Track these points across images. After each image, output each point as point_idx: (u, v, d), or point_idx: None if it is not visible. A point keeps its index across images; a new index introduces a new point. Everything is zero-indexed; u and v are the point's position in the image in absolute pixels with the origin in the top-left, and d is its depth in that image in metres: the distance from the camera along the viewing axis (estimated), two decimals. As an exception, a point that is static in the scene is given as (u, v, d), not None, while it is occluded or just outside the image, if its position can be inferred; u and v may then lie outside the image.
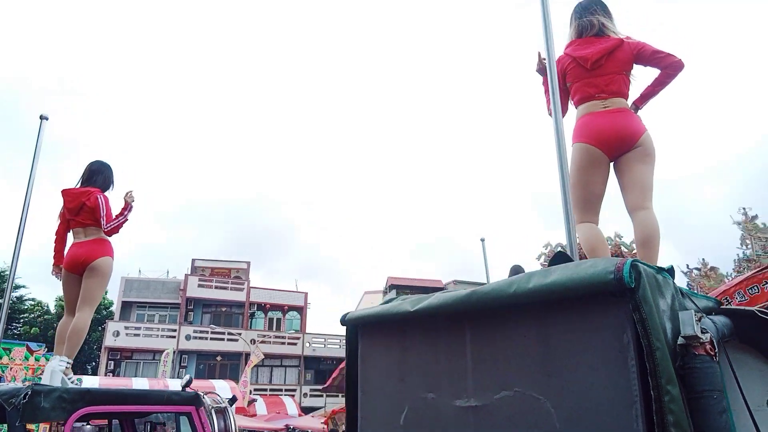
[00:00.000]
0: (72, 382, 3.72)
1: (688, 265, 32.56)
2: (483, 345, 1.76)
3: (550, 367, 1.56)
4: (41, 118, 4.17)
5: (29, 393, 3.00)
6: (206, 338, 28.53)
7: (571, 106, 3.05)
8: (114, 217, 4.07)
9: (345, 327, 2.29)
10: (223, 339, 28.76)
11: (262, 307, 31.36)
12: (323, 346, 31.96)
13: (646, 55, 2.91)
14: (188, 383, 3.55)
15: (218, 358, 28.86)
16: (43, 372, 4.05)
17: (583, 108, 2.88)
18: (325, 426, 17.60)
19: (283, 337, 30.56)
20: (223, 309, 30.35)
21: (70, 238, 4.24)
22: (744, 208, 31.30)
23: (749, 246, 30.57)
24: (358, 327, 2.23)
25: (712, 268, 30.52)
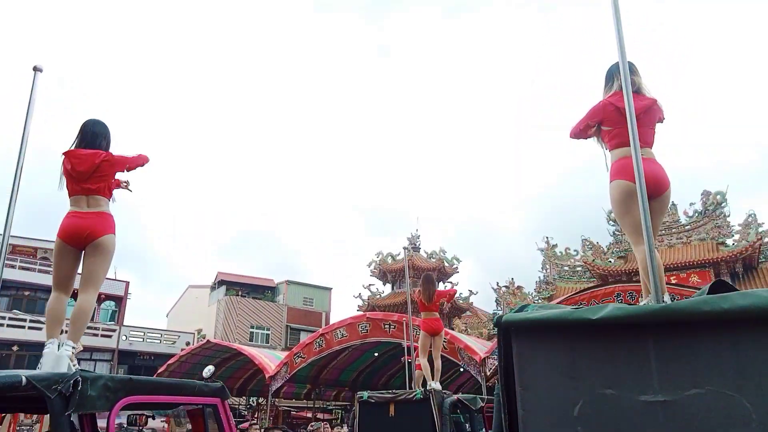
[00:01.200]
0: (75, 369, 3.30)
1: (498, 283, 36.63)
2: (670, 350, 2.14)
3: (745, 372, 2.01)
4: (35, 69, 3.60)
5: (77, 380, 2.69)
6: (2, 324, 24.81)
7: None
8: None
9: (497, 327, 2.50)
10: (23, 326, 25.24)
11: (74, 294, 28.13)
12: (142, 340, 29.66)
13: (662, 119, 3.59)
14: (212, 375, 3.40)
15: (14, 348, 25.25)
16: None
17: (623, 151, 3.40)
18: (167, 425, 16.51)
19: (96, 328, 27.75)
20: (26, 293, 26.64)
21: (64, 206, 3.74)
22: (547, 237, 36.17)
23: (548, 270, 35.40)
24: (512, 328, 2.47)
25: (519, 287, 34.69)
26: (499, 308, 36.31)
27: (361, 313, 23.93)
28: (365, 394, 7.13)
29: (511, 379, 2.42)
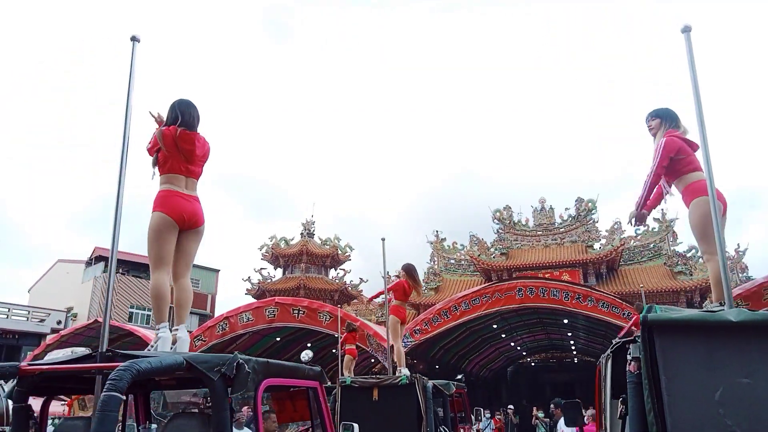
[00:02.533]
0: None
1: (388, 272, 37.73)
2: (796, 347, 2.69)
3: None
4: (133, 39, 3.35)
5: (239, 362, 2.73)
6: None
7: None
8: None
9: (642, 325, 2.90)
10: None
11: None
12: (6, 317, 26.70)
13: None
14: (311, 359, 3.49)
15: None
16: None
17: (697, 175, 3.98)
18: (68, 407, 15.13)
19: (-50, 303, 24.61)
20: None
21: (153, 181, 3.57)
22: (437, 231, 37.87)
23: (436, 262, 37.10)
24: (655, 326, 2.88)
25: (409, 277, 35.89)
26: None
27: (270, 297, 23.49)
28: (348, 378, 7.28)
29: (656, 369, 2.83)
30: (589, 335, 24.58)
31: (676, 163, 4.03)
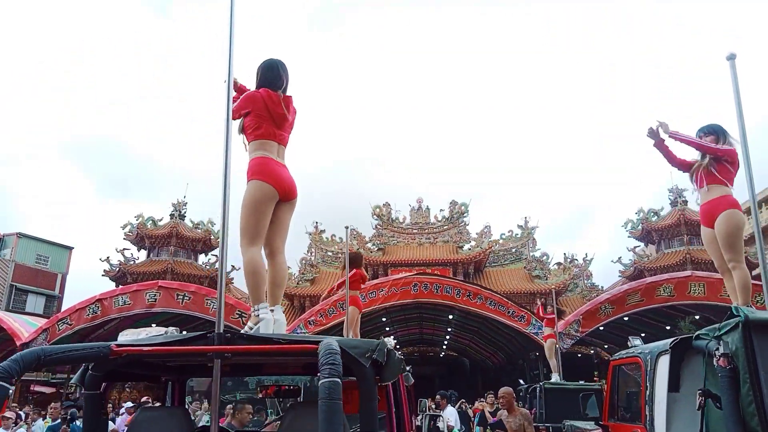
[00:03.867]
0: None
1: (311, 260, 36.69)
2: None
3: None
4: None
5: (390, 349, 2.61)
6: None
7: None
8: None
9: (743, 325, 3.19)
10: None
11: None
12: None
13: None
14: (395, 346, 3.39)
15: None
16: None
17: (731, 190, 4.45)
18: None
19: None
20: None
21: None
22: (317, 223, 37.71)
23: (313, 253, 36.91)
24: (753, 326, 3.19)
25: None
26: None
27: (156, 280, 21.62)
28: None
29: (754, 365, 3.15)
30: (464, 331, 26.10)
31: (722, 169, 4.46)
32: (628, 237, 35.90)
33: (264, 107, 3.24)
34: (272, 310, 3.11)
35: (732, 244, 4.33)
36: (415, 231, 36.81)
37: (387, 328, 24.87)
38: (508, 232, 36.77)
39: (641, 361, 4.10)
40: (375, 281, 20.66)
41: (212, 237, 35.17)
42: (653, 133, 4.73)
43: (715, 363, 3.30)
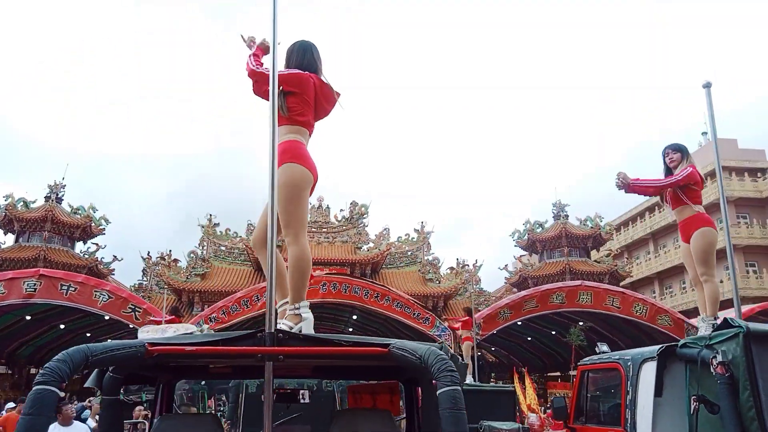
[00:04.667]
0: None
1: (149, 253, 34.45)
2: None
3: None
4: None
5: (452, 353, 2.53)
6: None
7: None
8: None
9: (745, 336, 3.43)
10: None
11: None
12: None
13: None
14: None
15: None
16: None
17: (701, 207, 4.80)
18: None
19: None
20: None
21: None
22: (210, 215, 36.10)
23: (206, 247, 35.28)
24: (753, 337, 3.44)
25: (175, 260, 33.45)
26: (145, 278, 34.28)
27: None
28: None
29: (753, 373, 3.41)
30: (364, 333, 26.17)
31: (688, 191, 4.80)
32: (515, 246, 38.15)
33: (313, 94, 3.03)
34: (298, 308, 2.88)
35: (705, 260, 4.69)
36: (314, 230, 36.39)
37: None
38: (405, 235, 37.53)
39: (621, 367, 4.32)
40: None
41: (93, 224, 32.43)
42: (621, 185, 5.03)
43: (712, 371, 3.53)
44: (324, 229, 36.50)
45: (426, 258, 36.95)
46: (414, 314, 18.42)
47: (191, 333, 2.77)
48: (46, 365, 1.96)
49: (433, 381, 1.94)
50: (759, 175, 36.97)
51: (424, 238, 37.41)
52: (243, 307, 17.90)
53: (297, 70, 3.06)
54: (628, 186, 4.97)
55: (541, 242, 36.44)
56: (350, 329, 24.76)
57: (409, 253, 37.03)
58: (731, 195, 36.37)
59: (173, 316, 12.41)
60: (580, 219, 37.00)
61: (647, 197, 5.72)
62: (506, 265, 38.03)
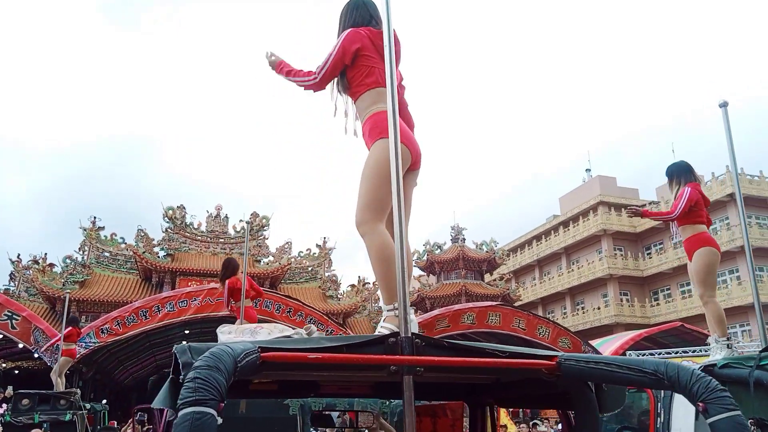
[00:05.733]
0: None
1: (18, 255, 30.74)
2: None
3: None
4: None
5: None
6: None
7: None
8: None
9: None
10: None
11: None
12: None
13: None
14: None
15: None
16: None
17: (704, 227, 4.83)
18: None
19: None
20: None
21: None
22: (95, 217, 33.03)
23: (87, 252, 32.16)
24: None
25: (50, 264, 30.16)
26: (13, 284, 30.49)
27: None
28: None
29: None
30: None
31: (689, 213, 4.82)
32: (414, 266, 38.67)
33: (372, 47, 2.58)
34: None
35: (703, 280, 4.72)
36: (210, 239, 34.50)
37: (176, 342, 22.57)
38: (306, 250, 36.70)
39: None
40: (189, 289, 18.66)
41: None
42: (634, 213, 5.21)
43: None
44: (221, 240, 34.72)
45: (326, 274, 36.33)
46: (327, 330, 17.81)
47: (290, 336, 2.20)
48: (193, 376, 1.35)
49: (699, 404, 1.58)
50: (633, 211, 40.56)
51: (326, 254, 36.81)
52: (141, 318, 16.27)
53: (346, 33, 2.63)
54: (642, 213, 5.06)
55: (439, 264, 37.27)
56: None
57: (310, 268, 36.22)
58: (610, 228, 39.63)
59: (71, 327, 10.94)
60: (476, 243, 38.35)
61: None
62: (404, 285, 38.35)
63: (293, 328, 2.36)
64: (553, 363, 1.97)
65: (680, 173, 4.99)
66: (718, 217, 34.51)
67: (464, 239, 38.28)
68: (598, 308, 38.76)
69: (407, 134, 2.57)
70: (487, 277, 38.90)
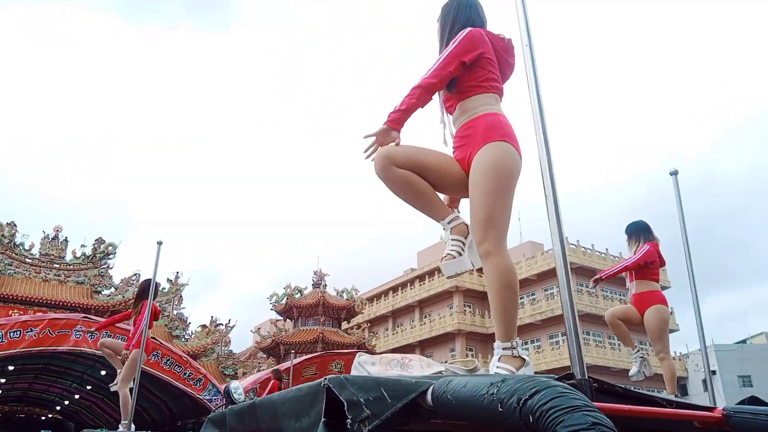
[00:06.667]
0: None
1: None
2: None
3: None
4: None
5: None
6: None
7: None
8: None
9: None
10: None
11: None
12: None
13: None
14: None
15: None
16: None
17: (657, 285, 5.10)
18: None
19: None
20: None
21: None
22: None
23: None
24: None
25: None
26: None
27: None
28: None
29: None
30: (90, 389, 22.12)
31: (645, 268, 5.07)
32: (270, 309, 37.38)
33: (493, 52, 2.39)
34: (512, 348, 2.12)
35: (659, 337, 4.95)
36: (43, 264, 30.41)
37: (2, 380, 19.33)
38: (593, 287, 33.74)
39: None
40: (25, 318, 16.03)
41: None
42: (596, 283, 5.39)
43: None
44: (56, 265, 30.81)
45: (174, 312, 33.68)
46: (185, 374, 16.24)
47: (441, 372, 1.84)
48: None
49: None
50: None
51: (177, 290, 34.25)
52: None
53: (467, 32, 2.36)
54: (602, 279, 5.26)
55: (298, 308, 36.37)
56: (74, 385, 20.76)
57: (157, 304, 33.31)
58: (462, 285, 41.78)
59: None
60: (337, 290, 38.17)
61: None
62: (258, 328, 36.87)
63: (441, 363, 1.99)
64: (718, 416, 1.83)
65: (639, 232, 5.24)
66: (555, 283, 38.04)
67: (326, 285, 37.92)
68: (445, 361, 40.19)
69: (518, 143, 2.30)
70: (344, 325, 38.70)
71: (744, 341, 40.77)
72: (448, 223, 2.27)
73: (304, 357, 18.86)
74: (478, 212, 2.13)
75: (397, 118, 2.24)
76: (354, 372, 1.88)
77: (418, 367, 1.90)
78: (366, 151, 2.26)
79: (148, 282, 6.86)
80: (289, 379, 18.01)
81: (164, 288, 34.13)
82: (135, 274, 32.06)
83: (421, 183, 2.24)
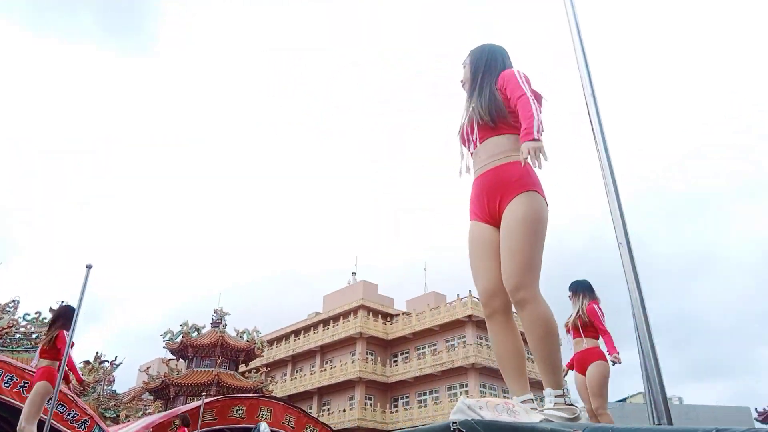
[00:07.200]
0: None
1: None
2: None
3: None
4: None
5: None
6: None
7: None
8: None
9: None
10: None
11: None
12: None
13: None
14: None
15: None
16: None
17: (597, 342, 5.24)
18: None
19: None
20: None
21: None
22: None
23: None
24: None
25: None
26: None
27: None
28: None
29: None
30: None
31: (587, 326, 5.24)
32: (163, 347, 35.04)
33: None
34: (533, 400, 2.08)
35: (599, 393, 5.07)
36: None
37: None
38: (36, 313, 30.71)
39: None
40: None
41: None
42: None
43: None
44: None
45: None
46: (69, 414, 14.59)
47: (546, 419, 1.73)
48: None
49: None
50: (388, 319, 43.28)
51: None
52: None
53: (514, 71, 2.44)
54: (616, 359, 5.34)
55: (194, 348, 34.36)
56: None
57: (35, 336, 30.20)
58: (366, 332, 41.50)
59: None
60: (237, 330, 36.59)
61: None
62: (148, 367, 34.36)
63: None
64: None
65: (584, 290, 5.46)
66: (456, 335, 38.75)
67: (226, 324, 36.25)
68: (344, 410, 39.33)
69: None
70: (242, 368, 36.97)
71: (624, 400, 43.31)
72: (559, 396, 2.04)
73: (202, 401, 17.67)
74: (516, 259, 2.14)
75: (539, 128, 2.20)
76: (460, 416, 1.75)
77: (523, 413, 1.81)
78: (539, 158, 2.14)
79: (66, 308, 6.21)
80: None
81: (44, 318, 31.08)
82: (13, 300, 29.00)
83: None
